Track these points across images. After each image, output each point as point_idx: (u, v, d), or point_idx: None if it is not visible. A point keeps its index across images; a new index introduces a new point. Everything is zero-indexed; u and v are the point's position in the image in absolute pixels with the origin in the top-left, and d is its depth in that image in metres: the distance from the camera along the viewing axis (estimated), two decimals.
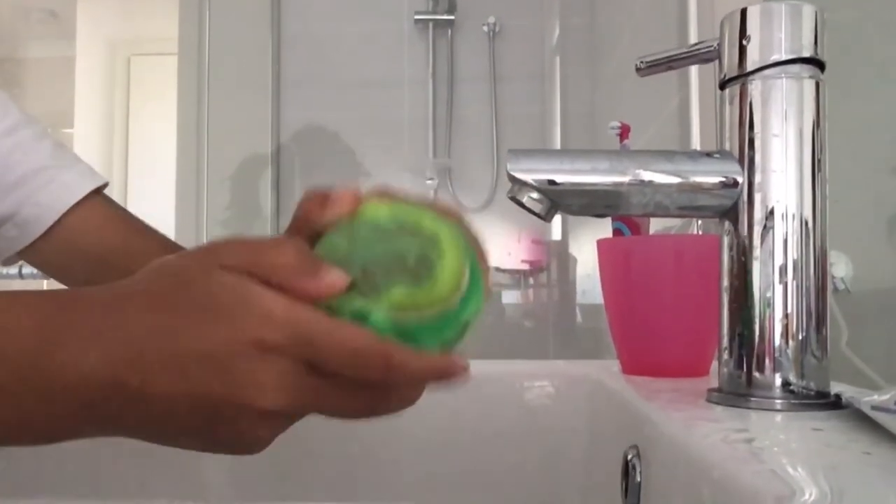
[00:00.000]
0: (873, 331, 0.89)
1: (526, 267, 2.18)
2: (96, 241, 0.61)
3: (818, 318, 0.44)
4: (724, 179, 0.45)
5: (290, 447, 0.67)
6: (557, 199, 0.46)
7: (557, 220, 2.16)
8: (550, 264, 2.18)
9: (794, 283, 0.44)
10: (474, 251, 0.36)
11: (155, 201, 2.33)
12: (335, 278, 0.31)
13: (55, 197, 0.60)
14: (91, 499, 0.46)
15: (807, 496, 0.26)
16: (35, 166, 0.61)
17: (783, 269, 0.44)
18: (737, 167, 0.45)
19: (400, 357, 0.31)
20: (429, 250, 0.31)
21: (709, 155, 0.46)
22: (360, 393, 0.32)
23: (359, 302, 0.31)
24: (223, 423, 0.31)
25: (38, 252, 0.61)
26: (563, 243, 2.17)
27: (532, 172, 0.46)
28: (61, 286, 0.63)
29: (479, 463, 0.66)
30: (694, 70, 1.14)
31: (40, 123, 0.64)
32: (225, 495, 0.65)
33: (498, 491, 0.66)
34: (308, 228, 0.35)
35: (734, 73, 0.47)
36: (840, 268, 0.81)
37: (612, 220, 0.68)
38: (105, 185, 0.63)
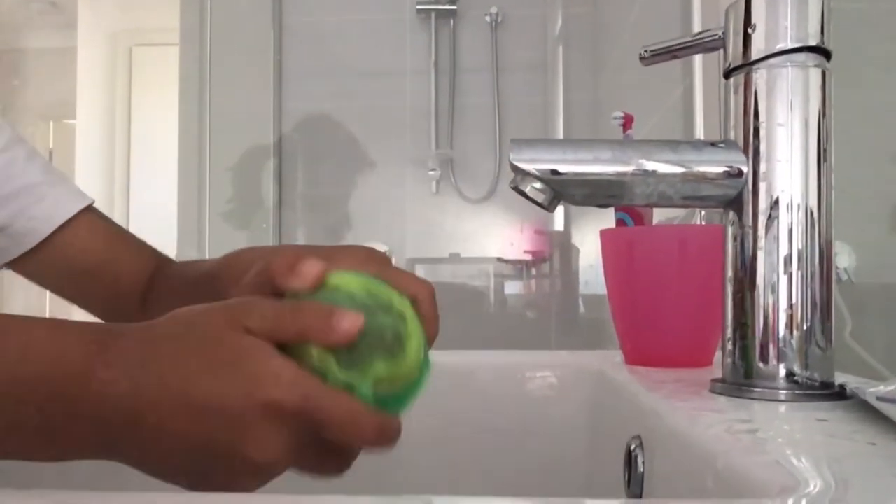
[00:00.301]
0: (876, 321, 0.89)
1: (528, 257, 2.18)
2: (86, 255, 0.64)
3: (823, 308, 0.44)
4: (728, 169, 0.45)
5: None
6: (560, 189, 0.46)
7: (560, 210, 2.15)
8: (553, 255, 2.18)
9: (799, 273, 0.44)
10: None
11: (157, 192, 2.33)
12: (351, 323, 0.34)
13: (49, 212, 0.64)
14: (93, 489, 0.46)
15: (811, 487, 0.26)
16: (29, 181, 0.64)
17: (788, 259, 0.44)
18: (741, 157, 0.45)
19: (390, 424, 0.36)
20: (401, 328, 0.35)
21: (713, 144, 0.46)
22: (337, 455, 0.37)
23: (346, 374, 0.34)
24: (219, 470, 0.33)
25: (29, 263, 0.64)
26: (566, 234, 2.17)
27: (535, 162, 0.46)
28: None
29: (481, 453, 0.66)
30: (698, 59, 1.13)
31: (29, 144, 0.68)
32: None
33: (500, 481, 0.66)
34: (271, 288, 0.38)
35: (739, 61, 0.46)
36: (843, 258, 0.80)
37: (616, 210, 0.68)
38: (92, 203, 0.67)
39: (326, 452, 0.36)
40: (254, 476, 0.34)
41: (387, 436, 0.36)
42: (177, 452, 0.33)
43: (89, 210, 0.66)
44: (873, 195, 0.91)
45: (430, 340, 0.40)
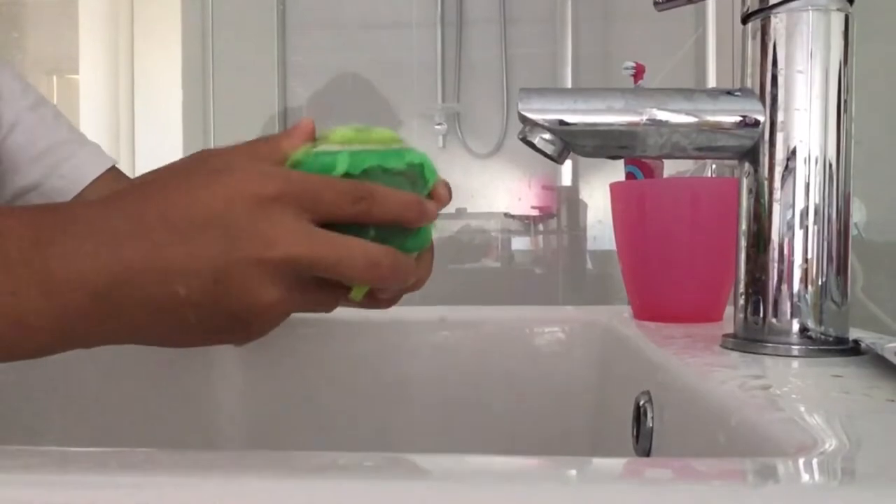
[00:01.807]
0: (887, 277, 0.88)
1: (536, 213, 2.17)
2: None
3: (839, 263, 0.43)
4: (744, 118, 0.43)
5: (298, 396, 0.67)
6: (570, 140, 0.45)
7: (568, 165, 2.13)
8: (560, 210, 2.17)
9: (816, 227, 0.43)
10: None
11: (162, 146, 2.31)
12: (304, 123, 0.36)
13: (79, 170, 0.66)
14: (100, 445, 0.46)
15: (828, 445, 0.25)
16: (58, 140, 0.67)
17: (804, 213, 0.43)
18: (758, 106, 0.44)
19: (379, 190, 0.35)
20: (370, 131, 0.38)
21: (729, 93, 0.44)
22: (357, 242, 0.35)
23: (321, 151, 0.36)
24: (231, 286, 0.32)
25: None
26: (574, 189, 2.15)
27: (544, 112, 0.44)
28: None
29: (488, 409, 0.66)
30: (711, 6, 1.10)
31: (53, 104, 0.71)
32: (234, 441, 0.65)
33: (507, 437, 0.66)
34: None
35: (757, 5, 0.44)
36: (855, 213, 0.79)
37: (625, 163, 0.66)
38: (115, 164, 0.70)
39: (346, 239, 0.34)
40: (274, 281, 0.32)
41: (389, 200, 0.35)
42: (179, 282, 0.32)
43: (113, 170, 0.68)
44: (886, 150, 0.89)
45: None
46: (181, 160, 0.37)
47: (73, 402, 0.48)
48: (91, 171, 0.66)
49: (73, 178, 0.66)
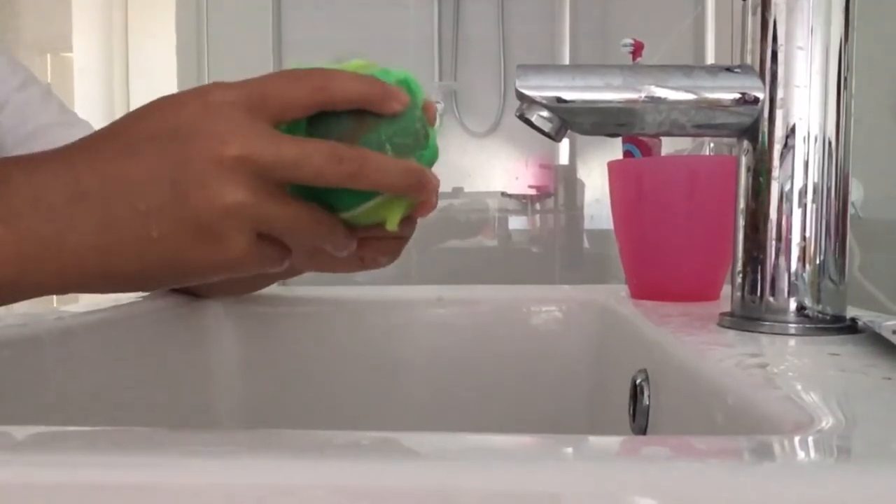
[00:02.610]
0: (884, 256, 0.88)
1: (533, 192, 2.16)
2: None
3: (837, 242, 0.43)
4: (744, 95, 0.43)
5: (295, 374, 0.67)
6: (568, 118, 0.44)
7: (565, 144, 2.12)
8: (558, 189, 2.16)
9: (814, 206, 0.42)
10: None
11: None
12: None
13: None
14: (95, 424, 0.46)
15: (825, 423, 0.25)
16: (47, 121, 0.65)
17: (803, 191, 0.42)
18: (758, 83, 0.43)
19: (337, 76, 0.34)
20: (347, 62, 0.37)
21: (729, 70, 0.44)
22: (323, 141, 0.33)
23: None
24: (190, 189, 0.31)
25: None
26: (571, 168, 2.14)
27: (542, 89, 0.44)
28: None
29: (485, 388, 0.66)
30: None
31: (44, 83, 0.69)
32: (231, 420, 0.65)
33: (504, 415, 0.66)
34: None
35: None
36: (852, 192, 0.79)
37: (623, 142, 0.66)
38: None
39: (305, 142, 0.33)
40: (233, 178, 0.31)
41: (348, 164, 0.33)
42: (135, 187, 0.31)
43: None
44: (884, 129, 0.89)
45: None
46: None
47: (69, 381, 0.48)
48: None
49: None
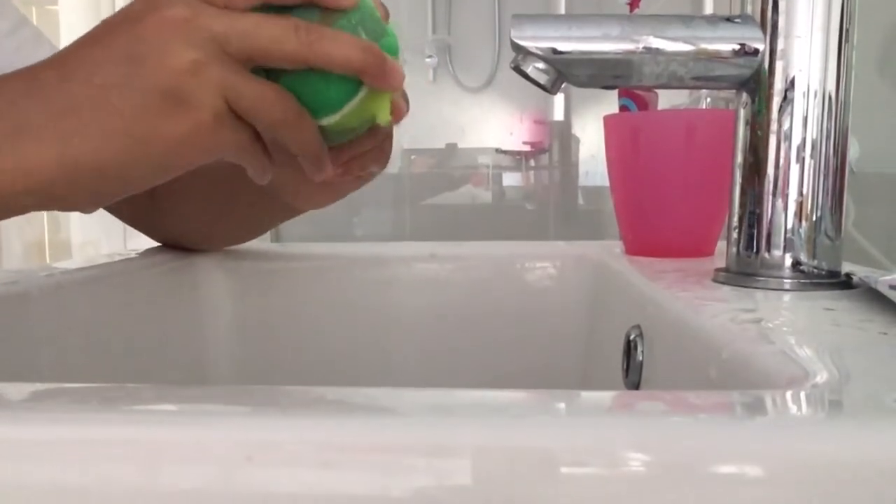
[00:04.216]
0: (877, 212, 0.88)
1: (527, 148, 2.15)
2: None
3: (834, 198, 0.42)
4: (743, 46, 0.42)
5: (289, 328, 0.67)
6: (564, 70, 0.43)
7: (560, 100, 2.10)
8: (552, 145, 2.15)
9: (812, 161, 0.42)
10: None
11: None
12: None
13: None
14: (87, 380, 0.45)
15: (819, 378, 0.25)
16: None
17: (801, 146, 0.42)
18: (758, 33, 0.42)
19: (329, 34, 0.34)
20: None
21: (729, 20, 0.43)
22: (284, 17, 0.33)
23: None
24: (146, 52, 0.31)
25: None
26: (566, 124, 2.13)
27: (537, 40, 0.43)
28: None
29: (478, 344, 0.66)
30: None
31: (34, 25, 0.65)
32: (225, 377, 0.65)
33: (497, 372, 0.66)
34: None
35: None
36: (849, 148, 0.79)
37: (619, 96, 0.65)
38: None
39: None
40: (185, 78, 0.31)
41: (305, 33, 0.33)
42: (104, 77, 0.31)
43: None
44: (879, 85, 0.88)
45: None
46: None
47: (59, 338, 0.48)
48: None
49: None
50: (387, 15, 0.38)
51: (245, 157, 0.35)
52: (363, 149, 0.41)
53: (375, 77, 0.35)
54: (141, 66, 0.31)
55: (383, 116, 0.37)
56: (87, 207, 0.34)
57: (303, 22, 0.33)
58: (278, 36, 0.32)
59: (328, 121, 0.36)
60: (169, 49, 0.31)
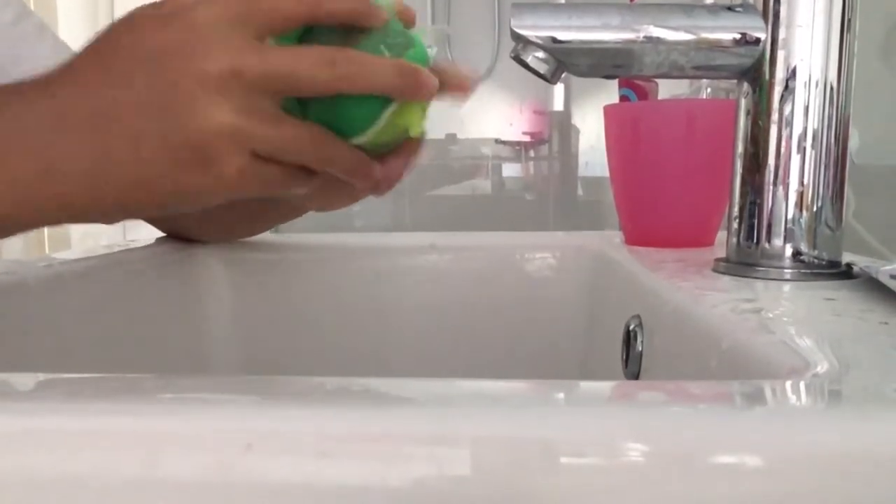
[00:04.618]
0: (877, 202, 0.87)
1: (527, 139, 2.14)
2: None
3: (835, 188, 0.42)
4: (744, 35, 0.42)
5: (288, 318, 0.67)
6: (564, 59, 0.43)
7: (560, 90, 2.09)
8: (552, 136, 2.14)
9: (813, 151, 0.42)
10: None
11: None
12: None
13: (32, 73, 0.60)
14: (86, 370, 0.45)
15: (820, 368, 0.25)
16: (40, 55, 0.60)
17: (802, 136, 0.42)
18: (760, 22, 0.42)
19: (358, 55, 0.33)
20: None
21: (730, 9, 0.43)
22: (311, 47, 0.32)
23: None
24: (177, 111, 0.30)
25: None
26: (566, 114, 2.12)
27: (537, 29, 0.42)
28: None
29: (478, 334, 0.66)
30: None
31: (36, 16, 0.63)
32: (226, 367, 0.65)
33: (496, 362, 0.66)
34: None
35: None
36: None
37: (619, 86, 0.65)
38: None
39: (305, 52, 0.32)
40: (218, 96, 0.30)
41: (342, 66, 0.32)
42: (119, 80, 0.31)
43: None
44: (880, 75, 0.88)
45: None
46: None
47: (58, 328, 0.48)
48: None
49: None
50: (412, 19, 0.37)
51: (273, 192, 0.34)
52: (399, 163, 0.39)
53: (410, 95, 0.34)
54: (174, 120, 0.30)
55: (415, 129, 0.36)
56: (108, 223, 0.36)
57: (338, 53, 0.32)
58: (314, 73, 0.31)
59: (361, 139, 0.35)
60: (202, 106, 0.30)
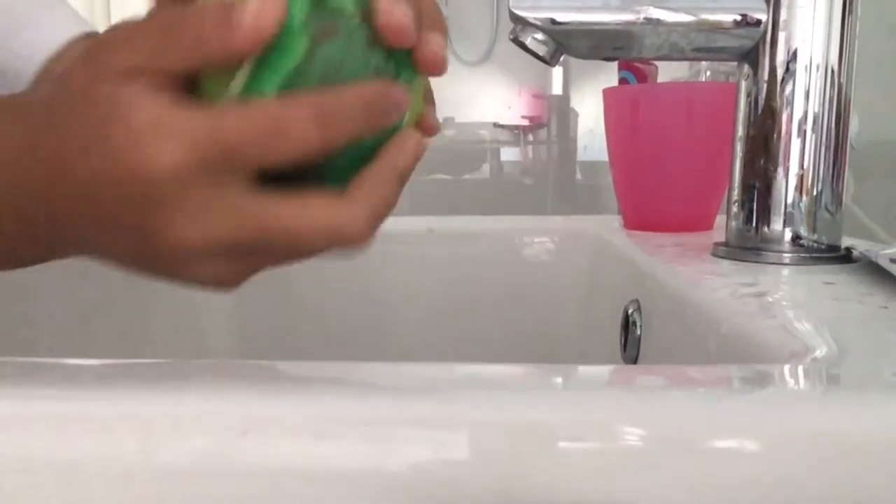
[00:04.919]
0: (876, 186, 0.87)
1: (525, 123, 2.13)
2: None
3: (835, 172, 0.42)
4: (745, 17, 0.41)
5: (287, 303, 0.67)
6: (563, 41, 0.43)
7: (559, 74, 2.08)
8: (551, 120, 2.13)
9: (814, 135, 0.41)
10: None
11: None
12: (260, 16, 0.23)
13: (36, 45, 0.51)
14: (88, 357, 0.45)
15: (819, 352, 0.24)
16: (13, 12, 0.52)
17: (803, 120, 0.41)
18: (760, 3, 0.41)
19: (329, 96, 0.24)
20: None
21: None
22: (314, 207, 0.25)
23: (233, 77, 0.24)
24: (158, 264, 0.26)
25: None
26: (565, 98, 2.11)
27: (536, 10, 0.42)
28: None
29: (476, 319, 0.66)
30: None
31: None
32: (227, 353, 0.65)
33: (495, 346, 0.66)
34: None
35: None
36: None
37: (619, 69, 0.64)
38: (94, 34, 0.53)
39: (292, 198, 0.25)
40: (208, 261, 0.25)
41: (343, 100, 0.25)
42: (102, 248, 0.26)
43: (88, 38, 0.52)
44: (881, 58, 0.87)
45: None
46: (76, 73, 0.25)
47: (58, 314, 0.47)
48: (51, 44, 0.50)
49: (29, 56, 0.50)
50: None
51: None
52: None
53: (384, 119, 0.26)
54: (142, 241, 0.25)
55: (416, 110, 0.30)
56: None
57: (287, 117, 0.24)
58: (299, 146, 0.24)
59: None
60: (183, 269, 0.26)
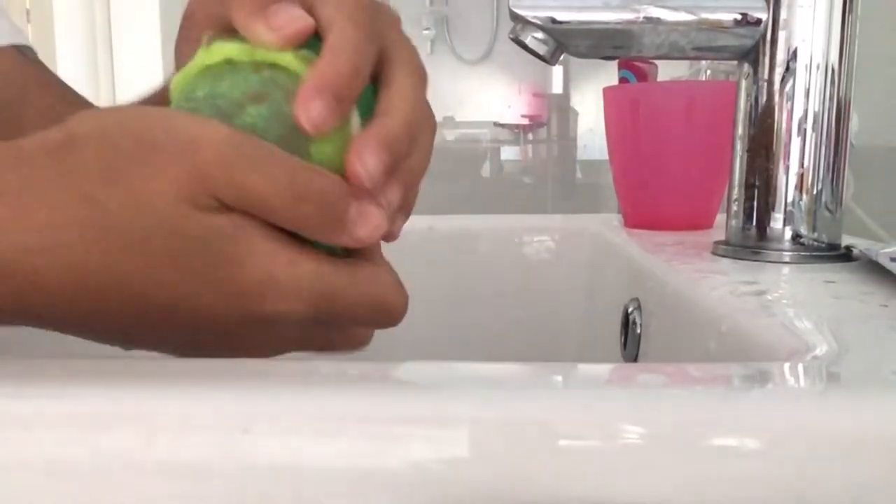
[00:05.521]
0: (876, 186, 0.87)
1: (525, 121, 2.13)
2: None
3: (835, 171, 0.42)
4: (745, 16, 0.41)
5: None
6: (563, 40, 0.43)
7: (559, 73, 2.08)
8: (551, 119, 2.13)
9: (814, 134, 0.41)
10: None
11: (142, 56, 2.24)
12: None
13: None
14: (88, 356, 0.45)
15: (819, 350, 0.24)
16: None
17: (803, 118, 0.41)
18: (760, 2, 0.42)
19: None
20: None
21: None
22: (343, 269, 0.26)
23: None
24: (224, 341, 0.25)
25: None
26: (565, 97, 2.11)
27: (536, 9, 0.42)
28: None
29: (476, 317, 0.66)
30: None
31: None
32: None
33: (496, 345, 0.66)
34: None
35: None
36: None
37: (619, 68, 0.64)
38: (27, 46, 0.51)
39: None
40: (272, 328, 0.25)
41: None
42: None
43: (20, 51, 0.50)
44: (881, 57, 0.87)
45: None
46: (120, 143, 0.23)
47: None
48: None
49: None
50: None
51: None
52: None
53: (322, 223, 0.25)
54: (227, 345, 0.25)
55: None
56: None
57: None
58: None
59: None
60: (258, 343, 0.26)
